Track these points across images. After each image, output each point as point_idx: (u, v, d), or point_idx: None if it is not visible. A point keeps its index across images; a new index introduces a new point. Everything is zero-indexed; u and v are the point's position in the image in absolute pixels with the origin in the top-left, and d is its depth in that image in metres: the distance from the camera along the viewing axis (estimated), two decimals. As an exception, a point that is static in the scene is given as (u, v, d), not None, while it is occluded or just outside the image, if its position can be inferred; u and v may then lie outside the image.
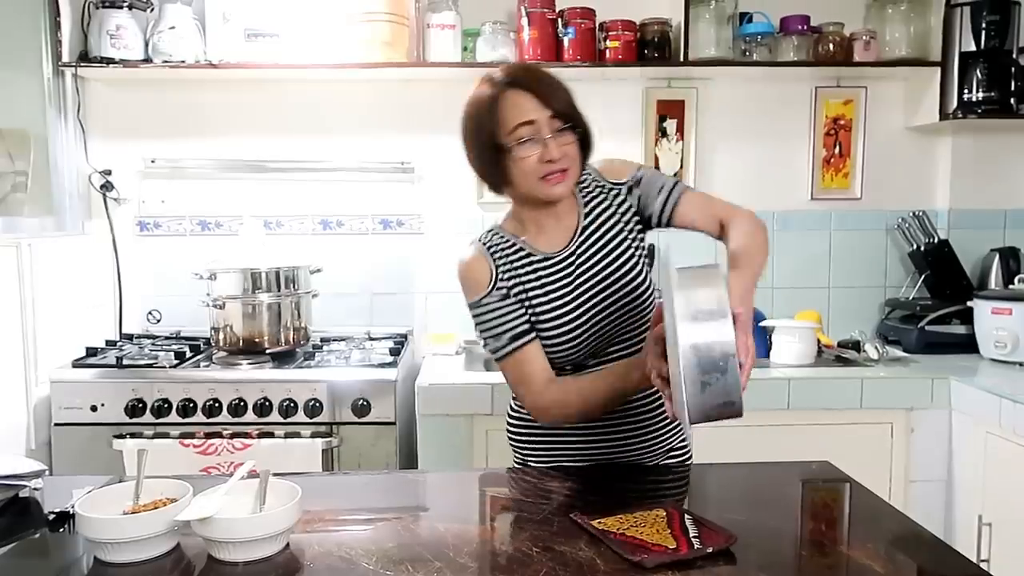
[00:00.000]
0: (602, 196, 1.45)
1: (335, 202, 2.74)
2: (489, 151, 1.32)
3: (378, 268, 2.75)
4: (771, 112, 2.78)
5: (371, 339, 2.60)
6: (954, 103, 2.54)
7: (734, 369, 1.02)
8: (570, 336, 1.38)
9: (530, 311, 1.39)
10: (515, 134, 1.30)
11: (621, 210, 1.43)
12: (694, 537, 1.10)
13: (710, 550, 1.06)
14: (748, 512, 1.23)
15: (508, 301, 1.39)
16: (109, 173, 2.66)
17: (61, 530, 1.19)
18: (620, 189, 1.44)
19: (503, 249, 1.42)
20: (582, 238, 1.42)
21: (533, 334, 1.38)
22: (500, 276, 1.40)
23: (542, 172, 1.31)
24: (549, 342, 1.39)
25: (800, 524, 1.25)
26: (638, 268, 1.41)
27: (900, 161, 2.80)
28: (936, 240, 2.67)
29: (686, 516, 1.17)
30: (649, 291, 1.42)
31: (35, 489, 1.31)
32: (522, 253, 1.42)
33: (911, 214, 2.72)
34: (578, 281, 1.40)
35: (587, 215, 1.43)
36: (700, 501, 1.35)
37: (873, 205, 2.79)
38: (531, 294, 1.39)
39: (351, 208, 2.74)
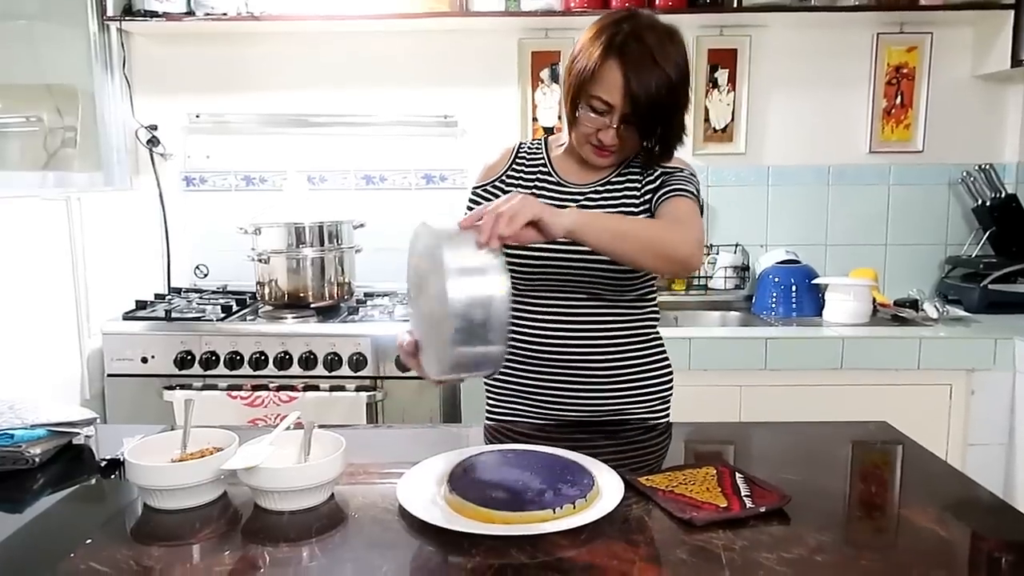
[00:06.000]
0: (642, 169, 1.41)
1: (377, 157, 2.71)
2: (572, 93, 1.33)
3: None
4: (829, 61, 2.65)
5: (414, 295, 2.59)
6: (1028, 49, 2.39)
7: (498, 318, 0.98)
8: (527, 262, 1.36)
9: None
10: (592, 101, 1.30)
11: (646, 187, 1.39)
12: (746, 496, 1.06)
13: (763, 509, 1.02)
14: (802, 472, 1.19)
15: None
16: (155, 128, 2.67)
17: (112, 476, 1.21)
18: (657, 170, 1.40)
19: (531, 158, 1.47)
20: (602, 187, 1.40)
21: None
22: (504, 179, 1.45)
23: (593, 141, 1.34)
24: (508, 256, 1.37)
25: (857, 485, 1.20)
26: None
27: (966, 112, 2.66)
28: (1003, 195, 2.54)
29: (737, 474, 1.14)
30: (631, 275, 1.37)
31: (87, 437, 1.34)
32: (543, 170, 1.45)
33: (976, 167, 2.59)
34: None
35: (620, 172, 1.41)
36: (752, 460, 1.31)
37: (936, 158, 2.66)
38: None
39: (393, 163, 2.72)
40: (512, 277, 1.37)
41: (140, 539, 1.00)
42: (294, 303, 2.33)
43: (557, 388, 1.42)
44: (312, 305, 2.33)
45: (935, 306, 2.33)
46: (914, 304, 2.42)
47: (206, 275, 2.75)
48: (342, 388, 2.16)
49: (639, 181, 1.40)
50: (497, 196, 1.41)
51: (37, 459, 1.22)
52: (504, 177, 1.46)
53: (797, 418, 1.56)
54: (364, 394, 2.14)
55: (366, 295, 2.58)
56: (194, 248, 2.76)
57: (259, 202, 2.66)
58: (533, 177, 1.44)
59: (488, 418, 1.51)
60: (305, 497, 1.05)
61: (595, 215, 1.22)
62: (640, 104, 1.26)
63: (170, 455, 1.14)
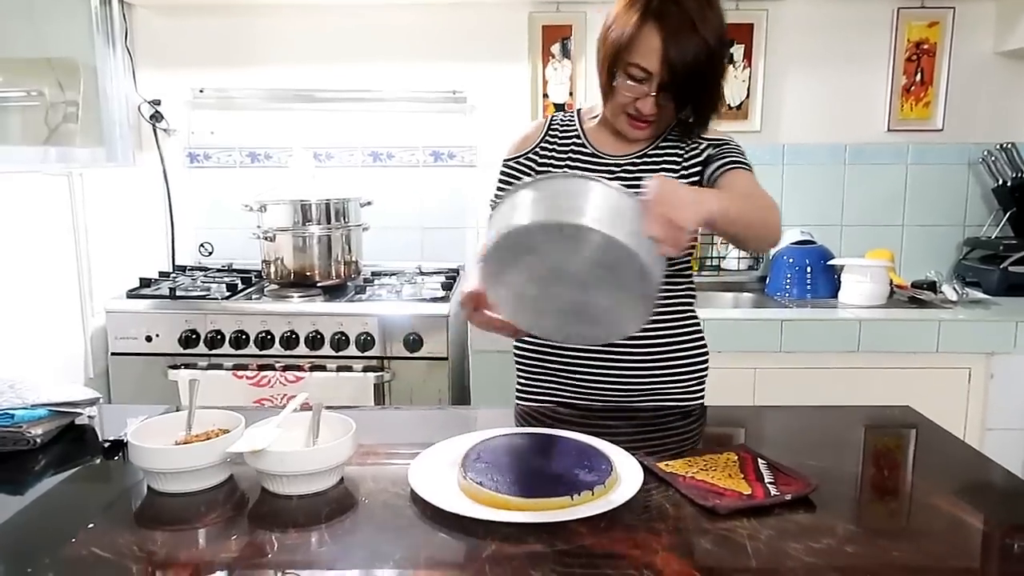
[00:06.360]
0: (682, 141, 1.37)
1: (385, 133, 2.66)
2: (608, 62, 1.29)
3: (429, 202, 2.68)
4: (847, 36, 2.58)
5: (422, 274, 2.55)
6: (1054, 23, 2.33)
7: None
8: None
9: None
10: (630, 69, 1.25)
11: (689, 160, 1.35)
12: (770, 483, 1.03)
13: (788, 497, 0.99)
14: (826, 458, 1.15)
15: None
16: (158, 103, 2.63)
17: (115, 458, 1.18)
18: (700, 143, 1.36)
19: (563, 131, 1.43)
20: (639, 159, 1.36)
21: None
22: (538, 151, 1.42)
23: (630, 111, 1.30)
24: None
25: (884, 472, 1.17)
26: None
27: (988, 89, 2.59)
28: (1024, 175, 2.48)
29: (760, 460, 1.10)
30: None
31: (90, 417, 1.30)
32: (577, 142, 1.41)
33: (998, 147, 2.53)
34: None
35: (657, 145, 1.37)
36: (773, 445, 1.27)
37: (956, 137, 2.60)
38: None
39: (401, 139, 2.66)
40: None
41: (144, 523, 0.97)
42: (300, 282, 2.29)
43: (590, 369, 1.38)
44: (318, 284, 2.30)
45: (954, 288, 2.28)
46: (932, 286, 2.37)
47: (211, 253, 2.71)
48: (349, 368, 2.13)
49: (680, 154, 1.36)
50: (530, 168, 1.39)
51: (38, 440, 1.19)
52: (537, 149, 1.42)
53: (813, 401, 1.53)
54: (371, 375, 2.10)
55: (373, 274, 2.53)
56: (198, 225, 2.72)
57: (264, 179, 2.62)
58: (567, 149, 1.40)
59: (518, 399, 1.48)
60: (314, 481, 1.02)
61: (726, 198, 1.15)
62: (678, 72, 1.22)
63: (175, 437, 1.11)
